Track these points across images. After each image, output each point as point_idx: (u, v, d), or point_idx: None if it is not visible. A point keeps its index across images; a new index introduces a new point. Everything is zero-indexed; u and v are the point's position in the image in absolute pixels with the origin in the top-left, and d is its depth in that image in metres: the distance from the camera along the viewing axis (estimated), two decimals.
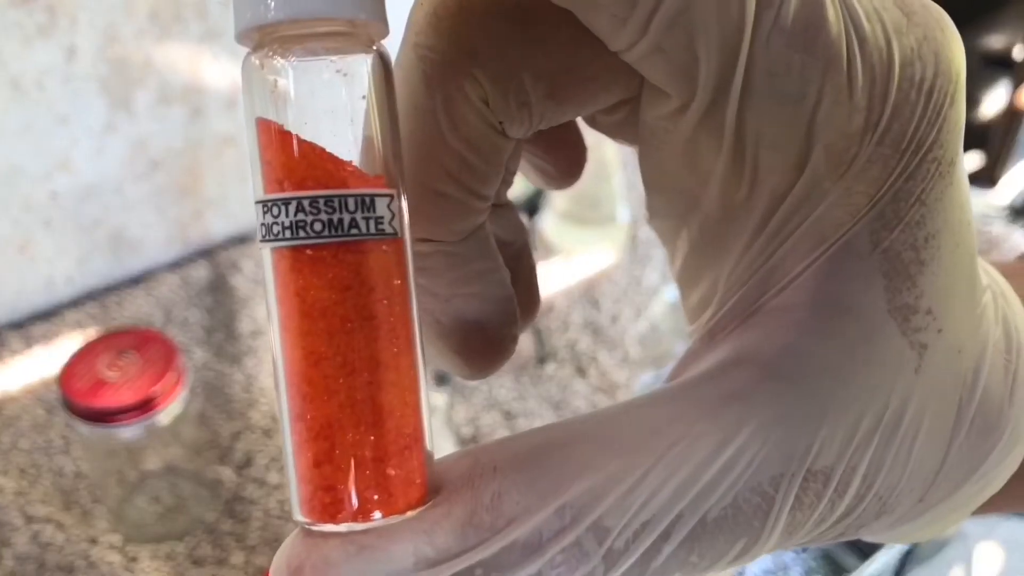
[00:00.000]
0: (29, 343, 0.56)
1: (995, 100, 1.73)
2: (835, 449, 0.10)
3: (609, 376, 0.55)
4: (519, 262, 0.14)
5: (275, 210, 0.09)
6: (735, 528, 0.10)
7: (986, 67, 1.73)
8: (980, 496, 0.12)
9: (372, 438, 0.09)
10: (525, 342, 0.57)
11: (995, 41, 1.70)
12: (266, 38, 0.10)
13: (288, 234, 0.09)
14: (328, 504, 0.09)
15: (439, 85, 0.10)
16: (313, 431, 0.09)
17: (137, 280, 0.61)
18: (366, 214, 0.09)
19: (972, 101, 1.76)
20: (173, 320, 0.58)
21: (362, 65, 0.10)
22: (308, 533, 0.10)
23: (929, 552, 1.20)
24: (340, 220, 0.09)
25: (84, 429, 0.40)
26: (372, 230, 0.09)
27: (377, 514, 0.09)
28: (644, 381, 0.54)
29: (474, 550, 0.09)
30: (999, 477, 0.12)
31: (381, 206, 0.09)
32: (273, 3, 0.09)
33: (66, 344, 0.55)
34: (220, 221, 0.65)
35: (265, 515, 0.46)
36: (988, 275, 0.12)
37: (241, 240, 0.65)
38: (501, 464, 0.10)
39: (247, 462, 0.49)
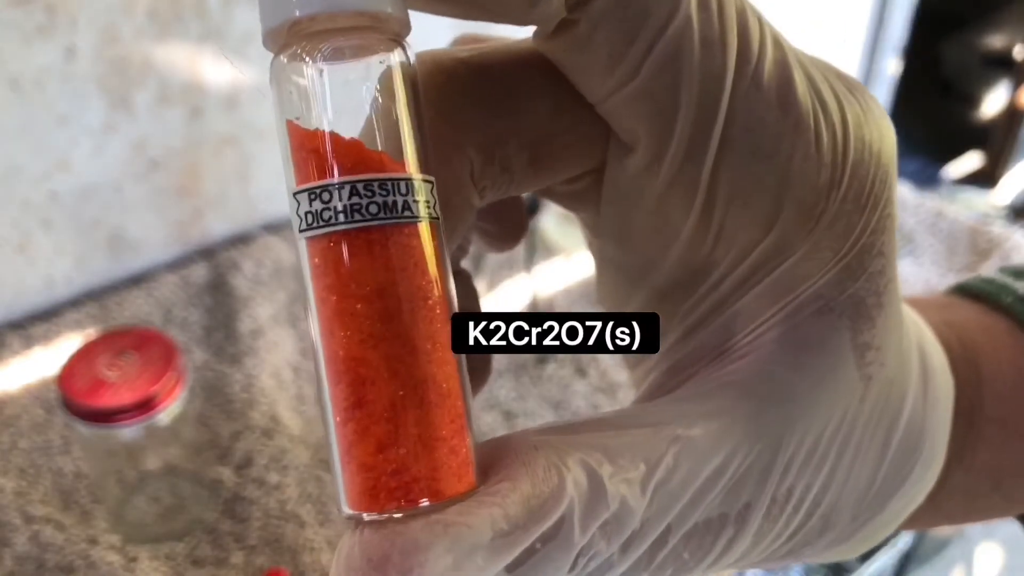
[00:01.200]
0: (28, 343, 0.56)
1: (995, 100, 1.72)
2: (797, 468, 0.11)
3: (609, 376, 0.55)
4: None
5: (325, 196, 0.09)
6: (720, 529, 0.11)
7: (986, 67, 1.73)
8: (904, 511, 0.13)
9: (435, 418, 0.09)
10: None
11: (995, 41, 1.70)
12: (293, 38, 0.10)
13: (342, 218, 0.09)
14: (395, 488, 0.09)
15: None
16: (376, 415, 0.09)
17: (136, 280, 0.61)
18: (416, 197, 0.09)
19: (972, 101, 1.76)
20: (173, 320, 0.58)
21: (388, 60, 0.10)
22: (377, 524, 0.09)
23: (929, 552, 1.20)
24: (394, 202, 0.09)
25: (84, 429, 0.40)
26: (421, 213, 0.09)
27: (446, 492, 0.09)
28: None
29: (539, 521, 0.09)
30: (920, 493, 0.13)
31: (426, 191, 0.10)
32: (299, 0, 0.09)
33: (66, 344, 0.55)
34: (220, 221, 0.65)
35: (265, 515, 0.46)
36: (903, 308, 0.13)
37: (241, 240, 0.65)
38: (539, 443, 0.10)
39: (247, 462, 0.49)
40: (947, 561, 1.12)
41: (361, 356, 0.09)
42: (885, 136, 0.11)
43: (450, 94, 0.11)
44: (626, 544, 0.10)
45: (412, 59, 0.10)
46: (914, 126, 1.61)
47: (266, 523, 0.45)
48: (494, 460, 0.10)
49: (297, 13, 0.09)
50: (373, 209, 0.09)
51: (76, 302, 0.59)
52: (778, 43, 0.10)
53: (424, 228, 0.10)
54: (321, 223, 0.09)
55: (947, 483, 0.14)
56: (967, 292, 0.17)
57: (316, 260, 0.09)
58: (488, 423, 0.51)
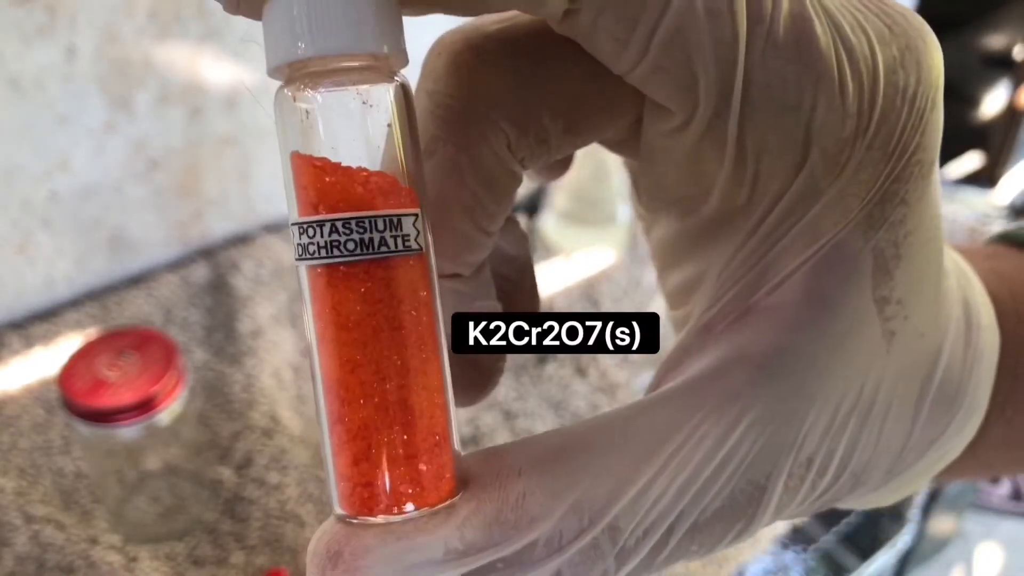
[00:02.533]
0: (29, 343, 0.56)
1: (995, 100, 1.72)
2: (817, 437, 0.11)
3: (609, 376, 0.55)
4: (523, 274, 0.15)
5: (311, 231, 0.10)
6: (732, 517, 0.11)
7: (986, 67, 1.73)
8: (940, 463, 0.14)
9: (405, 437, 0.10)
10: None
11: (995, 41, 1.70)
12: (296, 73, 0.10)
13: (323, 253, 0.10)
14: (366, 498, 0.10)
15: (461, 131, 0.11)
16: (351, 432, 0.10)
17: (137, 280, 0.61)
18: (394, 232, 0.10)
19: (972, 101, 1.76)
20: (173, 320, 0.58)
21: (385, 95, 0.10)
22: (346, 523, 0.10)
23: (929, 552, 1.20)
24: (371, 239, 0.10)
25: (84, 429, 0.40)
26: (400, 247, 0.10)
27: (410, 506, 0.10)
28: (643, 381, 0.54)
29: (498, 546, 0.10)
30: (957, 446, 0.13)
31: (407, 224, 0.10)
32: (302, 42, 0.10)
33: (66, 344, 0.55)
34: (220, 221, 0.65)
35: (265, 515, 0.46)
36: (952, 259, 0.13)
37: (241, 240, 0.65)
38: (525, 467, 0.10)
39: (247, 462, 0.49)
40: (947, 560, 1.12)
41: (341, 378, 0.10)
42: (925, 73, 0.11)
43: (480, 71, 0.11)
44: (619, 558, 0.10)
45: (409, 93, 0.11)
46: None
47: (266, 523, 0.45)
48: (478, 475, 0.10)
49: (299, 54, 0.10)
50: (351, 246, 0.10)
51: (76, 302, 0.59)
52: None
53: (403, 262, 0.10)
54: (308, 256, 0.10)
55: (987, 435, 0.14)
56: (1014, 241, 0.17)
57: (307, 287, 0.10)
58: (488, 423, 0.51)
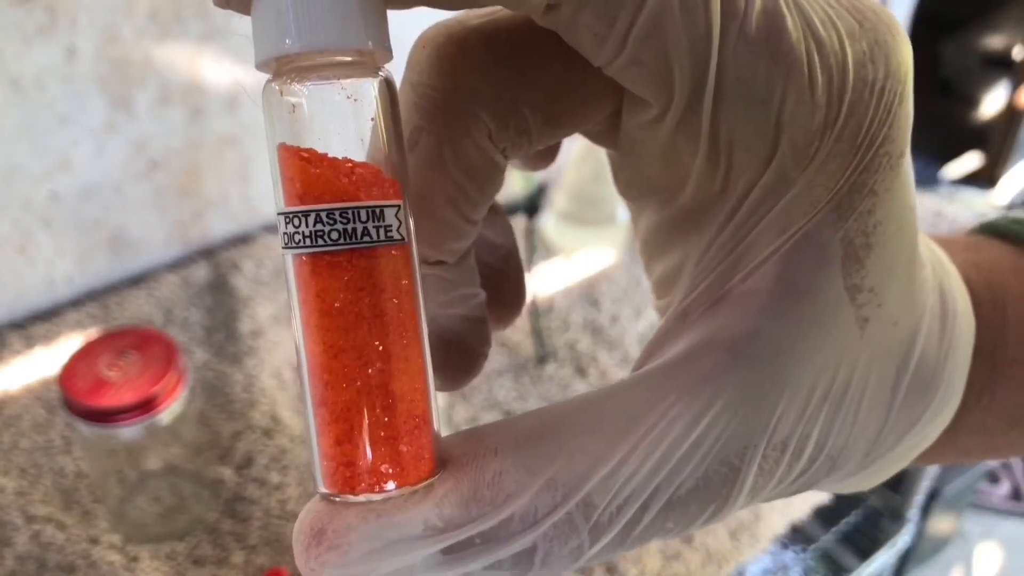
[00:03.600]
0: (29, 343, 0.56)
1: (995, 100, 1.72)
2: (791, 420, 0.11)
3: (609, 376, 0.55)
4: (508, 263, 0.15)
5: (296, 221, 0.10)
6: (706, 496, 0.11)
7: (986, 67, 1.73)
8: (918, 448, 0.14)
9: (386, 419, 0.10)
10: (525, 342, 0.57)
11: (995, 42, 1.70)
12: (283, 67, 0.11)
13: (308, 242, 0.10)
14: (348, 477, 0.11)
15: (442, 122, 0.12)
16: (334, 414, 0.11)
17: (137, 280, 0.61)
18: (376, 223, 0.10)
19: (971, 101, 1.76)
20: (173, 320, 0.58)
21: (370, 89, 0.11)
22: (330, 501, 0.11)
23: (929, 552, 1.20)
24: (354, 229, 0.10)
25: (84, 429, 0.40)
26: (382, 237, 0.10)
27: (391, 485, 0.11)
28: None
29: (475, 522, 0.10)
30: (934, 431, 0.14)
31: (390, 215, 0.11)
32: (289, 37, 0.10)
33: (66, 344, 0.55)
34: (220, 221, 0.65)
35: (265, 515, 0.46)
36: (928, 248, 0.13)
37: (241, 240, 0.65)
38: (502, 447, 0.11)
39: (247, 462, 0.49)
40: (946, 560, 1.12)
41: (324, 363, 0.11)
42: (894, 68, 0.11)
43: (462, 64, 0.11)
44: (593, 533, 0.11)
45: (393, 87, 0.11)
46: (913, 126, 1.60)
47: (267, 523, 0.45)
48: (456, 455, 0.11)
49: (286, 49, 0.10)
50: (334, 236, 0.10)
51: (77, 302, 0.59)
52: None
53: (385, 251, 0.10)
54: (293, 244, 0.11)
55: (964, 421, 0.14)
56: (995, 231, 0.17)
57: (292, 275, 0.11)
58: (488, 421, 0.52)
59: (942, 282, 0.13)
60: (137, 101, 0.57)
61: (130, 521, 0.45)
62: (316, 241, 0.10)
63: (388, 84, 0.11)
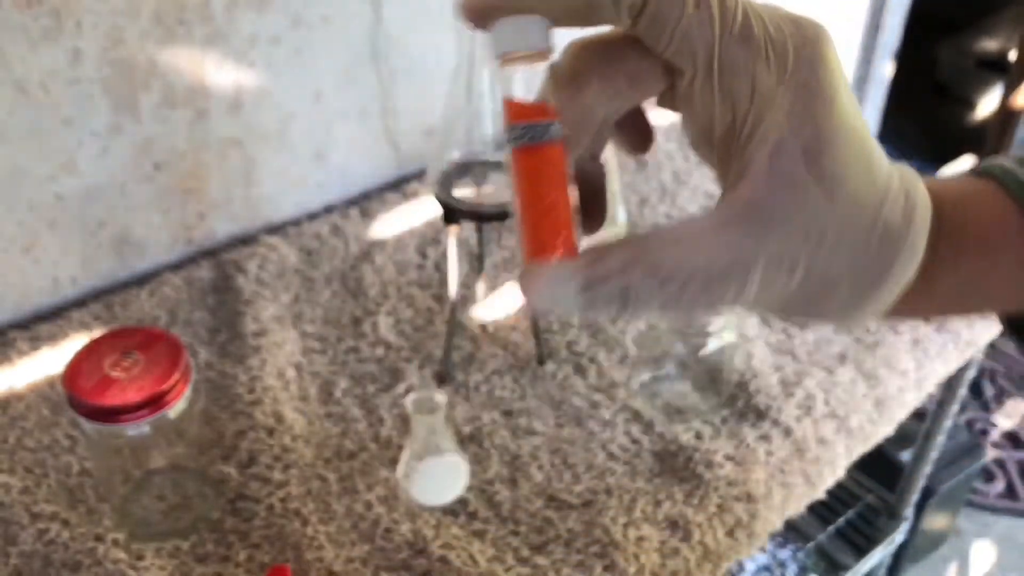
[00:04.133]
0: (35, 343, 0.56)
1: (989, 102, 1.73)
2: (782, 246, 0.19)
3: (608, 375, 0.55)
4: (596, 191, 0.23)
5: (513, 131, 0.20)
6: (728, 281, 0.19)
7: (981, 70, 1.74)
8: (889, 297, 0.21)
9: (555, 226, 0.20)
10: (526, 343, 0.58)
11: (990, 44, 1.70)
12: (509, 57, 0.20)
13: (518, 141, 0.20)
14: (536, 253, 0.20)
15: (572, 84, 0.21)
16: (528, 223, 0.20)
17: (141, 281, 0.62)
18: (549, 129, 0.20)
19: (966, 103, 1.76)
20: (177, 320, 0.58)
21: (545, 68, 0.21)
22: (528, 267, 0.20)
23: (924, 549, 1.20)
24: (539, 133, 0.20)
25: (89, 427, 0.40)
26: (553, 136, 0.20)
27: (555, 258, 0.20)
28: (642, 379, 0.54)
29: (597, 274, 0.19)
30: (901, 281, 0.21)
31: (556, 127, 0.20)
32: (514, 43, 0.20)
33: (71, 344, 0.56)
34: (224, 222, 0.66)
35: (268, 512, 0.46)
36: (900, 170, 0.21)
37: (244, 241, 0.66)
38: (612, 246, 0.19)
39: (251, 460, 0.49)
40: (942, 557, 1.13)
41: (523, 200, 0.20)
42: (818, 50, 0.19)
43: (585, 56, 0.21)
44: (662, 293, 0.19)
45: (555, 64, 0.21)
46: (909, 128, 1.61)
47: (270, 520, 0.46)
48: (587, 251, 0.20)
49: (513, 47, 0.20)
50: (529, 137, 0.20)
51: (81, 302, 0.60)
52: (744, 7, 0.19)
53: (551, 145, 0.20)
54: (512, 140, 0.20)
55: (929, 282, 0.22)
56: (984, 173, 0.23)
57: (510, 160, 0.20)
58: (488, 422, 0.52)
59: (908, 187, 0.21)
60: (141, 103, 0.57)
61: (134, 519, 0.45)
62: (522, 140, 0.20)
63: (553, 65, 0.21)
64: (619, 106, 0.21)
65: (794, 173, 0.19)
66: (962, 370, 0.71)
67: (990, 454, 1.06)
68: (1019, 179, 0.22)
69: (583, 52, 0.20)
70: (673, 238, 0.19)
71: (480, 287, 0.61)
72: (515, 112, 0.20)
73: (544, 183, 0.20)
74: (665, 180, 0.75)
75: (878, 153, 0.20)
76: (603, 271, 0.19)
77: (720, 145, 0.20)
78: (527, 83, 0.20)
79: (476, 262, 0.62)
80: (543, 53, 0.20)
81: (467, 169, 0.50)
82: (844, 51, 1.10)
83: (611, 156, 0.74)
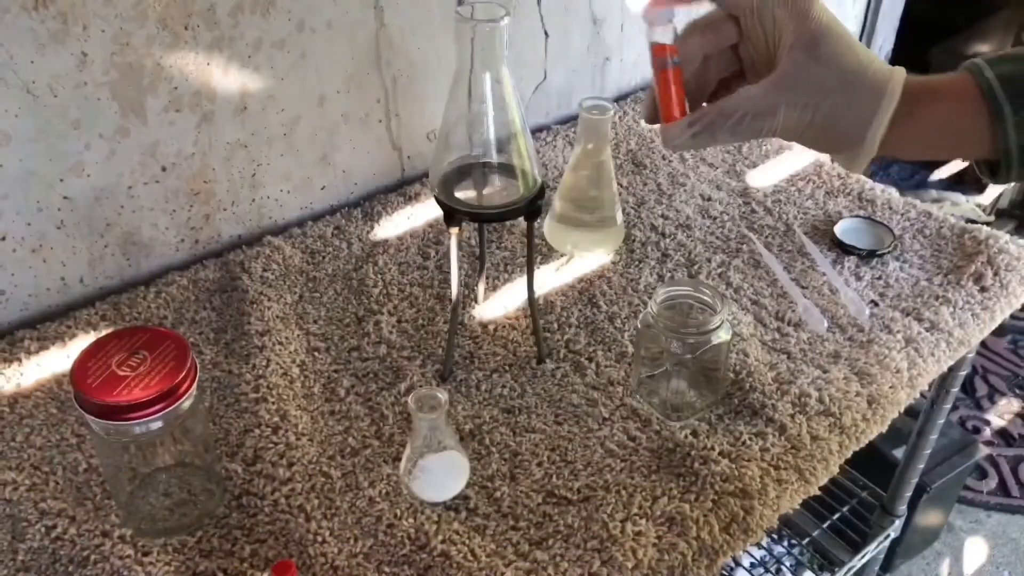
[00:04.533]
0: (42, 342, 0.57)
1: None
2: (800, 95, 0.34)
3: (606, 373, 0.56)
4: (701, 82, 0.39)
5: (658, 60, 0.36)
6: (761, 120, 0.35)
7: None
8: (879, 129, 0.34)
9: (674, 102, 0.37)
10: (525, 341, 0.58)
11: (982, 49, 1.71)
12: (655, 20, 0.36)
13: (655, 67, 0.37)
14: (670, 117, 0.36)
15: (684, 38, 0.37)
16: (667, 102, 0.37)
17: (148, 281, 0.62)
18: (673, 59, 0.36)
19: None
20: (183, 320, 0.59)
21: (673, 30, 0.37)
22: (664, 126, 0.37)
23: (917, 545, 1.21)
24: (667, 61, 0.36)
25: (96, 425, 0.41)
26: (672, 63, 0.36)
27: (676, 114, 0.37)
28: (641, 377, 0.55)
29: (698, 121, 0.36)
30: (884, 119, 0.34)
31: (678, 60, 0.36)
32: (658, 24, 0.36)
33: (79, 344, 0.56)
34: (229, 224, 0.67)
35: (273, 508, 0.47)
36: (880, 60, 0.35)
37: (249, 242, 0.67)
38: (704, 108, 0.36)
39: (255, 457, 0.50)
40: (935, 553, 1.13)
41: (659, 95, 0.37)
42: (821, 16, 0.34)
43: (694, 31, 0.36)
44: (728, 119, 0.35)
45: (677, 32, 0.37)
46: None
47: (274, 517, 0.46)
48: (691, 113, 0.37)
49: (659, 21, 0.36)
50: (661, 64, 0.36)
51: (89, 302, 0.60)
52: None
53: (675, 69, 0.36)
54: (655, 67, 0.37)
55: (910, 118, 0.34)
56: (963, 69, 0.36)
57: (656, 76, 0.37)
58: (488, 419, 0.53)
59: (891, 72, 0.34)
60: (148, 106, 0.58)
61: (141, 515, 0.45)
62: (661, 67, 0.36)
63: (675, 30, 0.36)
64: (711, 48, 0.36)
65: (799, 58, 0.33)
66: (954, 368, 0.72)
67: (982, 451, 1.07)
68: (983, 71, 0.34)
69: (693, 24, 0.36)
70: (735, 97, 0.34)
71: (481, 287, 0.62)
72: (657, 50, 0.36)
73: (671, 86, 0.36)
74: (662, 182, 0.76)
75: (864, 49, 0.34)
76: (700, 116, 0.35)
77: (761, 57, 0.36)
78: (663, 39, 0.36)
79: (477, 262, 0.63)
80: (671, 25, 0.35)
81: (468, 171, 0.51)
82: None
83: (608, 161, 0.75)
